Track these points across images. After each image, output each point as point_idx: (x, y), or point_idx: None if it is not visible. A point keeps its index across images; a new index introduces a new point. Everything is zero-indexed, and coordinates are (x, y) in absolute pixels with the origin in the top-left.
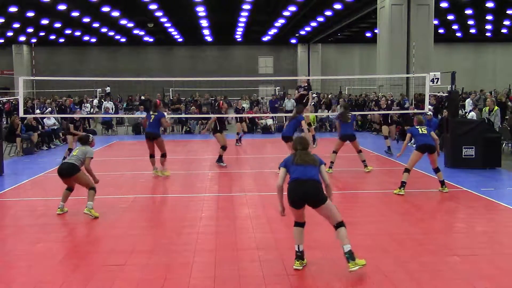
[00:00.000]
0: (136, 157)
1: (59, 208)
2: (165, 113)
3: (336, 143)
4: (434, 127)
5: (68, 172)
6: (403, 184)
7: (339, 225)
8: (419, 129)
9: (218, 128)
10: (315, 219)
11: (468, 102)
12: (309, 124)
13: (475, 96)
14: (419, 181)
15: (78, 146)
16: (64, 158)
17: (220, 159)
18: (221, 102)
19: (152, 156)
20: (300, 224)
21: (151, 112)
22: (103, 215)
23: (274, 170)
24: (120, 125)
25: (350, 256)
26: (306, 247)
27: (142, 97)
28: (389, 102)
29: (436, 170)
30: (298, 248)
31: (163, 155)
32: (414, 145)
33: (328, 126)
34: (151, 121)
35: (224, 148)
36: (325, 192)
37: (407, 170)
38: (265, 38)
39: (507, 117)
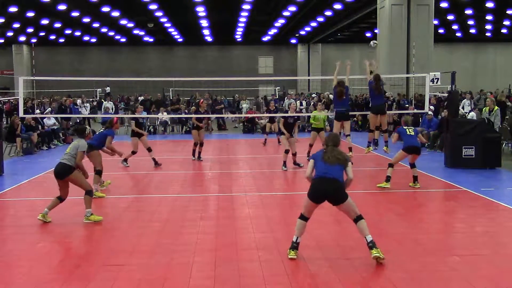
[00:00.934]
0: (135, 157)
1: (41, 214)
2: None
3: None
4: (434, 127)
5: (60, 173)
6: (388, 178)
7: (358, 218)
8: (407, 130)
9: (195, 126)
10: (316, 217)
11: (465, 103)
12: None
13: (474, 97)
14: (419, 181)
15: (75, 139)
16: (125, 160)
17: (193, 154)
18: (202, 100)
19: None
20: (305, 218)
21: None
22: (103, 215)
23: (274, 170)
24: (120, 125)
25: (373, 245)
26: (306, 246)
27: (141, 98)
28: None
29: (412, 166)
30: (296, 239)
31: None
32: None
33: (327, 126)
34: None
35: (195, 144)
36: (345, 183)
37: (391, 165)
38: (265, 38)
39: (507, 117)
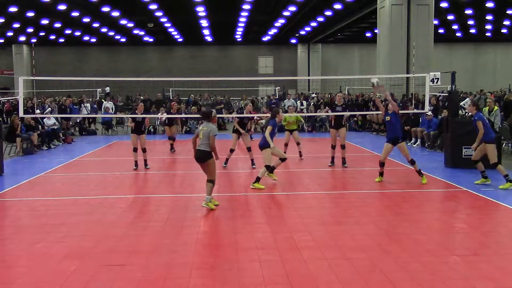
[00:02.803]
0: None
1: (204, 202)
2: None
3: None
4: (434, 127)
5: (201, 158)
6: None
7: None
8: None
9: (167, 122)
10: (316, 218)
11: (467, 102)
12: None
13: (474, 97)
14: (419, 180)
15: (203, 125)
16: (136, 164)
17: (171, 148)
18: (173, 103)
19: None
20: None
21: None
22: (103, 215)
23: (275, 170)
24: (120, 125)
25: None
26: (306, 246)
27: (142, 97)
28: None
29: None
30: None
31: None
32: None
33: (328, 126)
34: None
35: (170, 138)
36: None
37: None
38: (265, 38)
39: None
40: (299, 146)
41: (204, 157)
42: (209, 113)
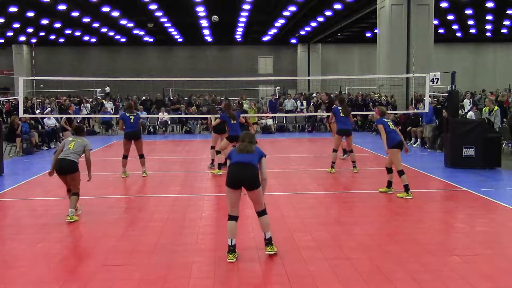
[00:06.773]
0: (135, 157)
1: (68, 215)
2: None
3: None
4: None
5: (69, 168)
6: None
7: (262, 213)
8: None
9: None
10: (316, 217)
11: (466, 103)
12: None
13: (475, 96)
14: (419, 181)
15: (72, 137)
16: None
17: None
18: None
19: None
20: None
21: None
22: (103, 215)
23: (274, 170)
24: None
25: (269, 242)
26: (306, 246)
27: (143, 97)
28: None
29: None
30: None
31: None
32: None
33: (329, 126)
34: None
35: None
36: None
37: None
38: (265, 38)
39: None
40: None
41: (72, 167)
42: (82, 128)
